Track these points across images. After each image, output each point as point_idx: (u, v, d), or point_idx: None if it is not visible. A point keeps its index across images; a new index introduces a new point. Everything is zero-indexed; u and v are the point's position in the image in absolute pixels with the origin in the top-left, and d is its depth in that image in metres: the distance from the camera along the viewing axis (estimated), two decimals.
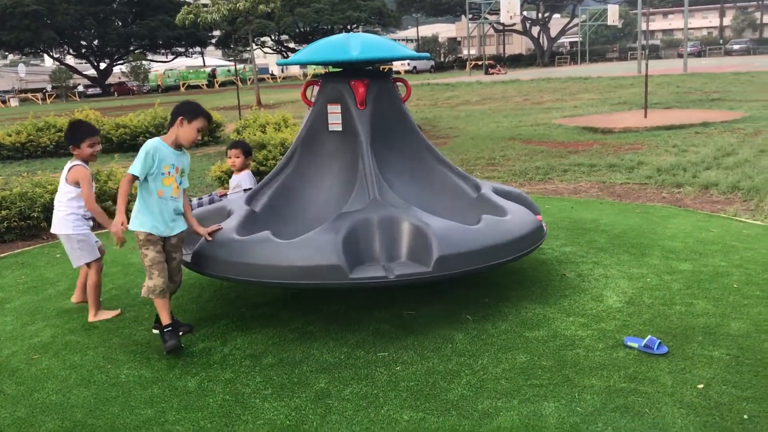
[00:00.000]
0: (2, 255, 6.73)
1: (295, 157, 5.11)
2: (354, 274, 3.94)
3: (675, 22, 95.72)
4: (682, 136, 12.36)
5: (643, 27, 46.40)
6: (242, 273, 4.12)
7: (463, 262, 4.06)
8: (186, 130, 4.11)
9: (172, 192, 4.10)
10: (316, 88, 5.12)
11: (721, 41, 78.09)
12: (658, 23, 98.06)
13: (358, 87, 4.79)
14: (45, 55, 70.56)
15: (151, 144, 4.06)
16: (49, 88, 63.14)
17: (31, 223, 7.44)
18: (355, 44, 4.69)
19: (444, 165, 5.15)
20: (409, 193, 4.80)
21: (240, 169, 5.55)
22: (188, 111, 4.13)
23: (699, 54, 69.15)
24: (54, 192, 7.55)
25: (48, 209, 7.50)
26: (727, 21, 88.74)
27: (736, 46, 68.93)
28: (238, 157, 5.52)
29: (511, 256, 4.34)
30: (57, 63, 65.73)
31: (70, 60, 70.80)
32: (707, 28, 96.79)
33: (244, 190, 5.27)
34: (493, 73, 52.06)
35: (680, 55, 52.58)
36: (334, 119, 4.91)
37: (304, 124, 5.15)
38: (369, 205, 4.43)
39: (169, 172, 4.07)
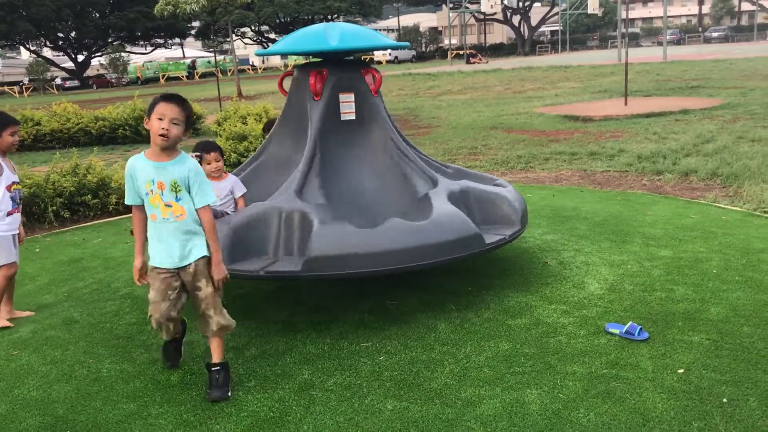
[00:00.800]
0: None
1: (269, 147, 5.18)
2: (232, 264, 3.96)
3: (655, 10, 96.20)
4: (662, 124, 12.45)
5: (623, 15, 46.59)
6: None
7: (338, 264, 3.94)
8: (150, 126, 3.31)
9: (162, 213, 3.32)
10: None
11: (700, 29, 78.65)
12: (637, 11, 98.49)
13: (314, 77, 4.77)
14: (21, 48, 69.49)
15: (128, 162, 3.41)
16: (26, 81, 62.22)
17: None
18: (333, 34, 4.66)
19: (404, 158, 4.87)
20: (357, 186, 4.72)
21: (219, 176, 4.61)
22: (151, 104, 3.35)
23: (678, 42, 69.60)
24: (32, 186, 7.47)
25: (26, 203, 7.42)
26: (705, 9, 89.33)
27: (714, 34, 69.48)
28: (218, 161, 4.57)
29: (408, 264, 4.04)
30: (34, 56, 64.78)
31: (47, 52, 69.83)
32: (686, 15, 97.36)
33: (235, 199, 4.61)
34: (474, 63, 52.07)
35: (660, 43, 52.88)
36: (347, 108, 4.88)
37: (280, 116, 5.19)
38: (286, 198, 4.40)
39: (151, 191, 3.31)
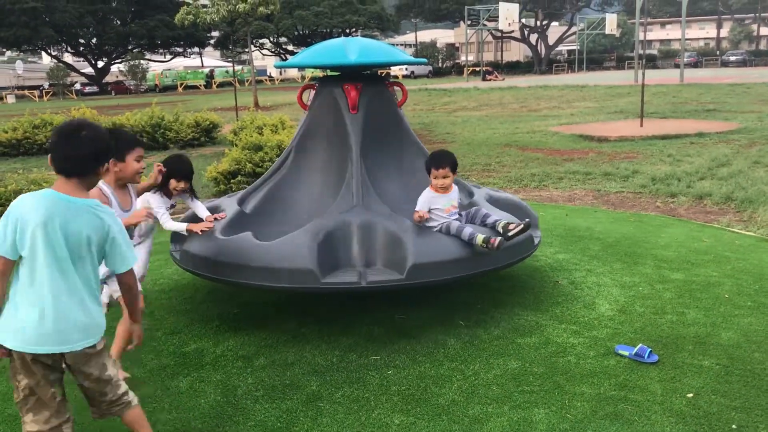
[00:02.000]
0: None
1: (289, 160, 5.14)
2: (327, 278, 3.94)
3: (672, 32, 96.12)
4: (677, 146, 12.42)
5: (641, 37, 46.59)
6: (218, 272, 4.18)
7: (438, 270, 4.03)
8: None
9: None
10: (313, 92, 5.14)
11: (717, 52, 78.44)
12: (655, 33, 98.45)
13: (351, 91, 4.81)
14: (43, 53, 70.40)
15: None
16: (46, 85, 62.94)
17: None
18: (352, 48, 4.70)
19: None
20: (399, 198, 4.77)
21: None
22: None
23: (696, 65, 69.44)
24: None
25: None
26: (724, 32, 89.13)
27: (732, 58, 69.23)
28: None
29: (490, 267, 4.27)
30: (54, 61, 65.55)
31: (68, 58, 70.68)
32: (704, 39, 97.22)
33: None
34: (490, 80, 52.16)
35: (677, 66, 52.79)
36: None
37: (299, 128, 5.18)
38: (352, 210, 4.40)
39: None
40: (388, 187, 4.82)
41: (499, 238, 4.06)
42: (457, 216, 4.32)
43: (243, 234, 4.24)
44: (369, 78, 5.03)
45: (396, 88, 5.27)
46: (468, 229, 4.13)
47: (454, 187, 4.41)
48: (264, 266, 3.99)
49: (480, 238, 4.07)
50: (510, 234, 4.15)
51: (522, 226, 4.15)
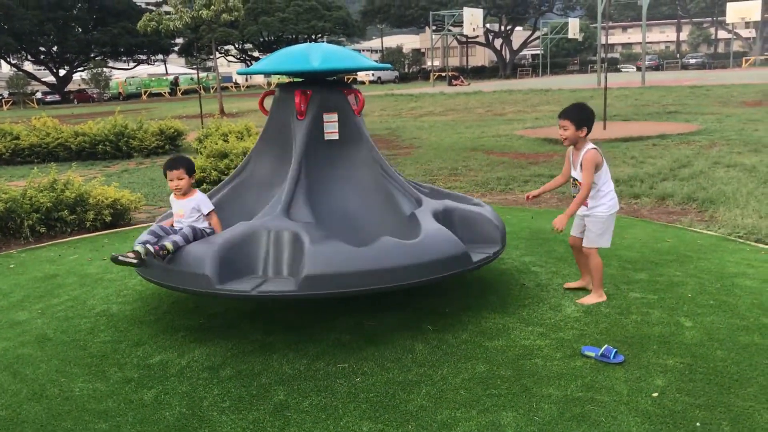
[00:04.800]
0: None
1: (249, 165, 5.17)
2: (223, 284, 3.98)
3: (634, 36, 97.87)
4: (640, 148, 12.62)
5: (603, 41, 47.32)
6: (150, 274, 4.40)
7: (335, 283, 3.91)
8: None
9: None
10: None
11: (678, 55, 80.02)
12: (617, 37, 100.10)
13: (297, 98, 4.79)
14: (2, 61, 68.95)
15: None
16: (5, 94, 61.68)
17: None
18: (315, 55, 4.68)
19: (388, 177, 4.91)
20: (343, 206, 4.73)
21: (186, 192, 4.50)
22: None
23: (657, 67, 70.73)
24: (8, 201, 7.37)
25: (1, 218, 7.33)
26: (683, 36, 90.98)
27: (692, 60, 70.76)
28: (181, 179, 4.46)
29: (397, 282, 4.04)
30: (14, 69, 64.26)
31: (28, 66, 69.35)
32: (665, 42, 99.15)
33: (206, 215, 4.50)
34: (456, 85, 52.52)
35: (638, 68, 53.67)
36: (330, 128, 4.92)
37: (260, 134, 5.20)
38: (272, 217, 4.38)
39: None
40: (329, 196, 4.76)
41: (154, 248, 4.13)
42: (182, 226, 4.39)
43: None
44: (321, 84, 4.95)
45: (358, 94, 5.20)
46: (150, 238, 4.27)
47: (195, 194, 4.51)
48: (174, 269, 4.16)
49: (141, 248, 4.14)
50: (121, 259, 4.10)
51: (135, 260, 4.12)
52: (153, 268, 4.31)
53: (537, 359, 3.87)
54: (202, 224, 4.47)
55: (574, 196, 4.71)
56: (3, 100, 57.26)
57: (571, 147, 4.70)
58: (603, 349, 3.84)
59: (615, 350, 3.83)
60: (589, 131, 4.57)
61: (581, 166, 4.55)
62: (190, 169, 4.53)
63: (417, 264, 4.07)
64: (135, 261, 4.12)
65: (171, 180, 4.48)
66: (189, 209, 4.47)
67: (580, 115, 4.54)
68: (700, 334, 4.13)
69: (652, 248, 6.04)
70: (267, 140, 5.15)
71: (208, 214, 4.50)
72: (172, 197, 4.60)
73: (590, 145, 4.56)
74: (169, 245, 4.14)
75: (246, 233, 4.26)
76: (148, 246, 4.13)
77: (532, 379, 3.63)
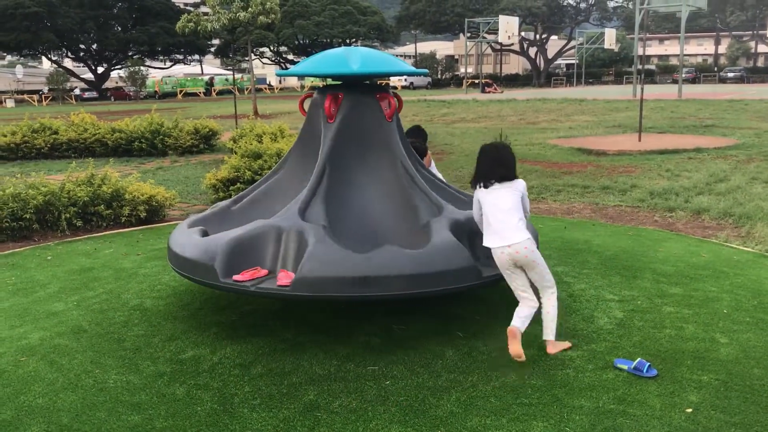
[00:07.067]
0: None
1: (285, 165, 5.26)
2: (227, 278, 4.12)
3: (671, 48, 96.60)
4: (675, 161, 12.45)
5: (639, 52, 46.81)
6: (173, 262, 4.64)
7: (328, 286, 3.92)
8: None
9: None
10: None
11: (715, 68, 78.82)
12: (654, 48, 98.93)
13: (328, 101, 4.83)
14: (43, 58, 70.43)
15: None
16: (45, 90, 62.94)
17: (23, 224, 7.40)
18: (354, 58, 4.71)
19: (413, 185, 4.81)
20: (361, 210, 4.72)
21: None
22: None
23: (694, 80, 69.75)
24: (47, 194, 7.53)
25: (40, 210, 7.48)
26: (722, 49, 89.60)
27: (730, 74, 69.55)
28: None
29: (394, 291, 3.97)
30: (55, 66, 65.58)
31: (68, 63, 70.70)
32: (702, 55, 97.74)
33: None
34: (489, 92, 52.32)
35: (675, 81, 53.01)
36: None
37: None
38: (286, 216, 4.45)
39: None
40: (349, 199, 4.75)
41: None
42: None
43: (192, 229, 4.69)
44: (354, 88, 4.96)
45: (391, 99, 5.14)
46: None
47: None
48: (190, 258, 4.36)
49: None
50: None
51: None
52: (173, 255, 4.59)
53: (569, 370, 3.84)
54: None
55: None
56: (43, 96, 58.45)
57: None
58: (636, 362, 3.80)
59: (648, 364, 3.78)
60: None
61: None
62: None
63: (418, 274, 3.99)
64: None
65: None
66: None
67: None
68: (736, 351, 4.06)
69: (687, 262, 5.95)
70: (302, 142, 5.21)
71: None
72: None
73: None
74: None
75: (258, 230, 4.39)
76: None
77: (563, 390, 3.60)
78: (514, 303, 4.92)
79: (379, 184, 4.87)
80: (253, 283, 4.07)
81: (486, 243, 4.06)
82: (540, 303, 4.04)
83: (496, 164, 4.16)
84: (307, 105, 5.32)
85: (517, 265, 3.98)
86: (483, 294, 5.09)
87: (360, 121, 4.90)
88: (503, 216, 3.98)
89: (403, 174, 4.85)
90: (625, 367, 3.81)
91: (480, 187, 4.17)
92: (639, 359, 3.82)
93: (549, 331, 4.07)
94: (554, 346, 4.07)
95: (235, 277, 4.15)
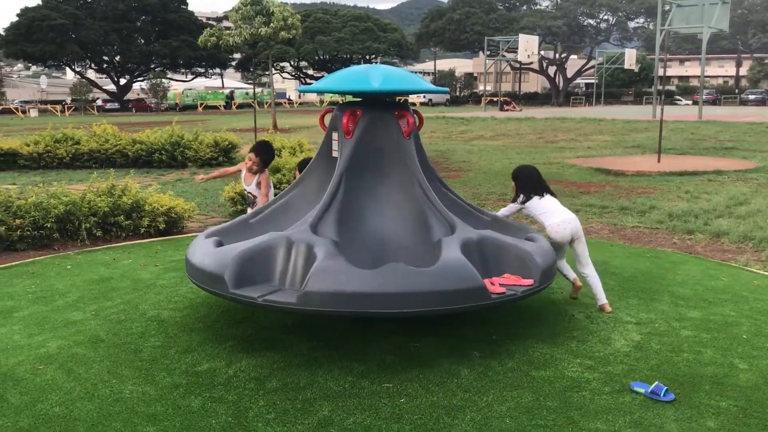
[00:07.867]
0: (13, 263, 6.77)
1: (305, 180, 5.30)
2: (237, 289, 4.15)
3: (691, 69, 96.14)
4: (695, 183, 12.36)
5: (660, 72, 46.66)
6: (188, 272, 4.73)
7: (332, 302, 3.92)
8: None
9: None
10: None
11: (736, 90, 78.31)
12: (674, 69, 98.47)
13: (346, 117, 4.86)
14: (67, 68, 71.54)
15: None
16: (68, 100, 63.85)
17: (44, 233, 7.49)
18: (375, 75, 4.74)
19: (428, 202, 4.78)
20: (373, 226, 4.71)
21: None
22: None
23: (714, 102, 69.31)
24: (68, 204, 7.62)
25: (61, 219, 7.57)
26: (743, 71, 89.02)
27: (751, 96, 69.00)
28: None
29: (403, 309, 3.94)
30: (78, 76, 66.55)
31: (91, 74, 71.74)
32: (723, 76, 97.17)
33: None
34: (507, 110, 52.33)
35: (695, 102, 52.70)
36: (335, 146, 5.08)
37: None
38: (299, 230, 4.48)
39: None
40: (362, 215, 4.75)
41: None
42: None
43: (208, 240, 4.79)
44: (373, 105, 4.98)
45: (412, 116, 5.13)
46: None
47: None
48: (203, 268, 4.44)
49: None
50: None
51: None
52: (189, 265, 4.66)
53: (584, 392, 3.81)
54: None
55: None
56: (66, 106, 59.27)
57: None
58: (653, 386, 3.76)
59: (665, 388, 3.74)
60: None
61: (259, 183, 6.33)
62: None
63: (423, 292, 3.95)
64: None
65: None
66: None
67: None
68: (756, 377, 4.01)
69: (705, 286, 5.90)
70: (321, 156, 5.25)
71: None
72: None
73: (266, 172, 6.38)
74: None
75: (269, 242, 4.42)
76: None
77: (579, 412, 3.57)
78: (530, 323, 4.91)
79: (393, 201, 4.87)
80: (261, 295, 4.07)
81: (556, 220, 5.19)
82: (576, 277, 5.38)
83: (543, 180, 5.50)
84: (327, 120, 5.36)
85: (574, 237, 5.22)
86: (499, 314, 5.07)
87: (377, 138, 4.91)
88: (562, 208, 5.30)
89: (418, 191, 4.84)
90: (642, 390, 3.78)
91: (532, 197, 5.34)
92: (656, 383, 3.78)
93: (601, 295, 5.22)
94: (608, 306, 5.20)
95: (495, 279, 4.34)
